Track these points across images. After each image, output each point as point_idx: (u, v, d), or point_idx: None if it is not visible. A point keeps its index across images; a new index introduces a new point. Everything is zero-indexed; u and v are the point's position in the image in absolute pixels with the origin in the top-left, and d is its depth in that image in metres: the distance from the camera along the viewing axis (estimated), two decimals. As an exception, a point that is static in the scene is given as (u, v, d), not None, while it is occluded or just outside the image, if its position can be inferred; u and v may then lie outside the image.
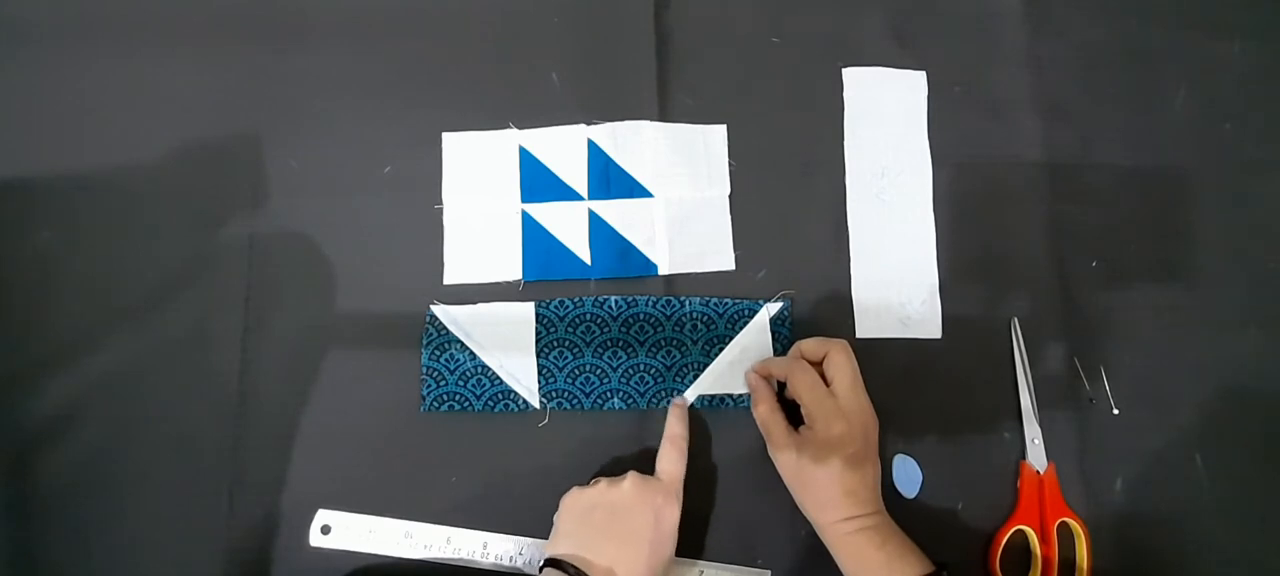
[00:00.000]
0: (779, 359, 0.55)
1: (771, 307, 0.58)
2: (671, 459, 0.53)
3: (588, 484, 0.52)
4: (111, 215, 0.58)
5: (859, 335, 0.59)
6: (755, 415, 0.55)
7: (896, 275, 0.60)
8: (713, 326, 0.58)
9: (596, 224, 0.59)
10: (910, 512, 0.57)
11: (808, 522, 0.53)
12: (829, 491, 0.50)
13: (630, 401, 0.57)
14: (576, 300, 0.58)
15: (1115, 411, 0.59)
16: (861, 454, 0.51)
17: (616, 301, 0.58)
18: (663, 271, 0.59)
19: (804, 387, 0.52)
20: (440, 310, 0.57)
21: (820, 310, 0.59)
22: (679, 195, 0.60)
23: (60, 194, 0.58)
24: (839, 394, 0.51)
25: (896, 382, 0.58)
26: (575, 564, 0.47)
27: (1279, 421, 0.60)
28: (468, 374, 0.56)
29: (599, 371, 0.57)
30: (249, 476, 0.55)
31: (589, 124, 0.60)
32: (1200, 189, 0.63)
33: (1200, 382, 0.60)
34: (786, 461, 0.52)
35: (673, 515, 0.51)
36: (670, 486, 0.52)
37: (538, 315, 0.58)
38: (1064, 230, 0.62)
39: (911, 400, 0.59)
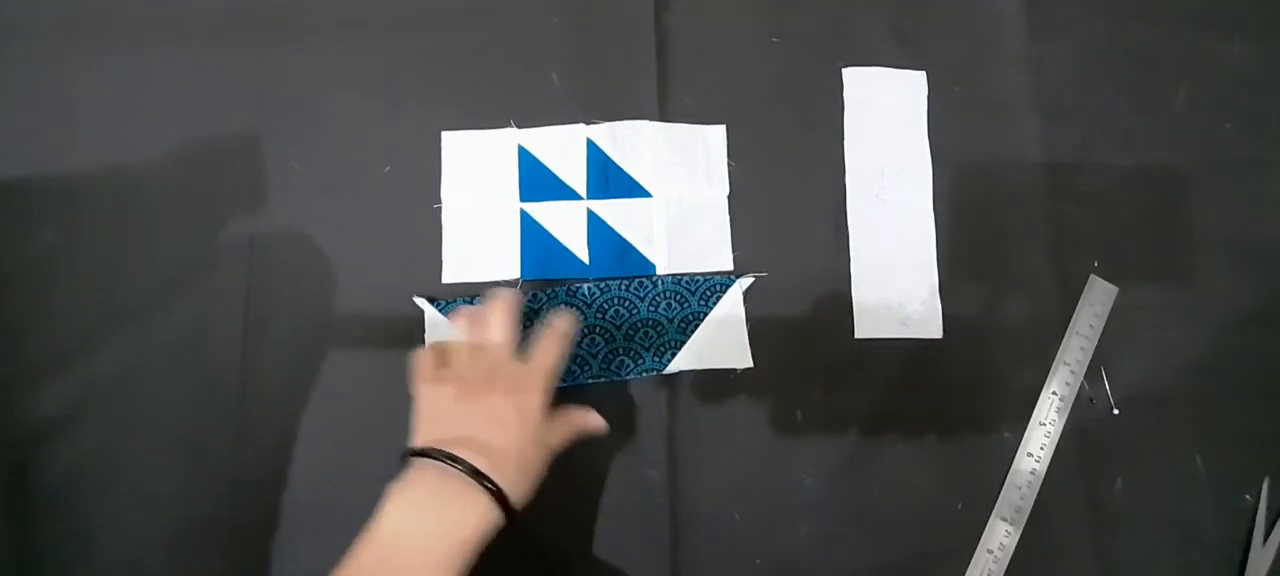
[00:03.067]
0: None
1: (744, 281, 0.58)
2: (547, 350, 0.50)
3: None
4: (111, 215, 0.58)
5: (859, 335, 0.59)
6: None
7: (896, 275, 0.60)
8: (686, 303, 0.58)
9: (595, 223, 0.59)
10: (910, 514, 0.57)
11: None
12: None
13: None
14: (549, 292, 0.58)
15: (1115, 411, 0.59)
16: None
17: (589, 288, 0.58)
18: (661, 271, 0.59)
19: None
20: (425, 306, 0.57)
21: (820, 310, 0.59)
22: (678, 195, 0.60)
23: (60, 194, 0.58)
24: None
25: (896, 382, 0.58)
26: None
27: (1279, 421, 0.60)
28: None
29: (578, 360, 0.57)
30: (249, 476, 0.55)
31: (589, 123, 0.60)
32: (1200, 189, 0.63)
33: (1200, 382, 0.60)
34: None
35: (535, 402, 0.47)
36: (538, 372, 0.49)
37: None
38: (1064, 230, 0.62)
39: (911, 400, 0.59)
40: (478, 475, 0.43)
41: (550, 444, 0.49)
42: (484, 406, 0.46)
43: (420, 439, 0.46)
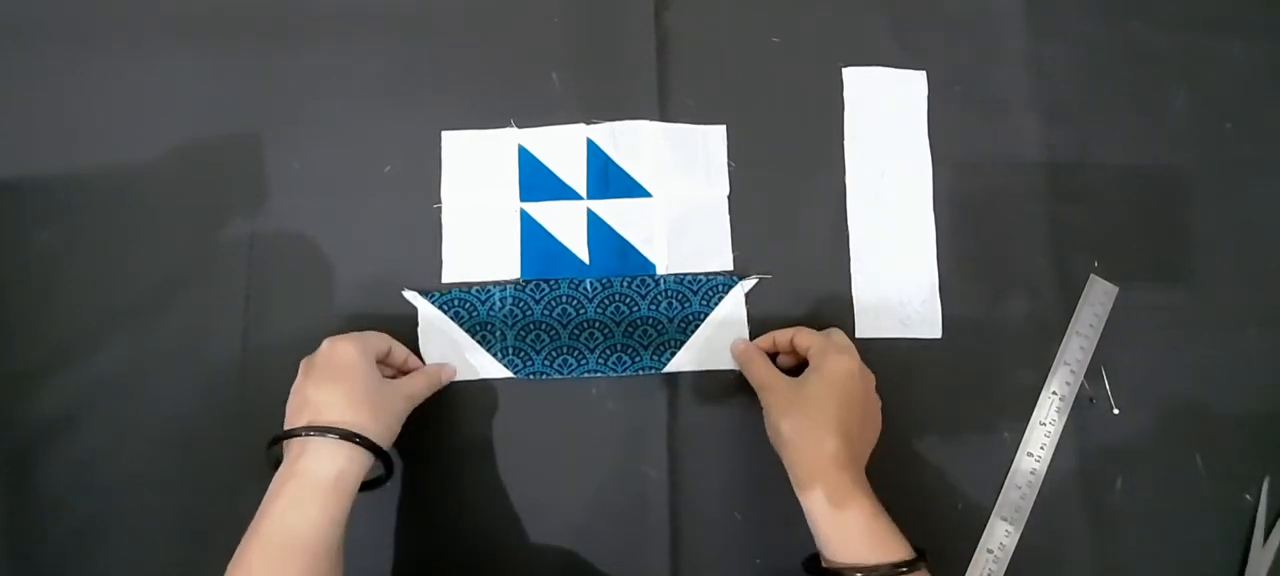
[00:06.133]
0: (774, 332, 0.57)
1: (746, 284, 0.58)
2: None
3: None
4: (111, 215, 0.58)
5: (859, 335, 0.59)
6: (752, 377, 0.54)
7: (896, 275, 0.60)
8: (687, 303, 0.58)
9: (595, 223, 0.59)
10: (909, 514, 0.57)
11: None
12: (829, 430, 0.49)
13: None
14: (552, 282, 0.58)
15: (1115, 411, 0.59)
16: (864, 405, 0.52)
17: (592, 282, 0.58)
18: (661, 271, 0.59)
19: (805, 333, 0.54)
20: (417, 301, 0.57)
21: (820, 310, 0.59)
22: (678, 195, 0.60)
23: (60, 194, 0.58)
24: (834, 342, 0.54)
25: (896, 382, 0.58)
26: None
27: (1279, 421, 0.60)
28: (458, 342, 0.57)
29: (577, 353, 0.57)
30: (249, 475, 0.55)
31: (589, 123, 0.60)
32: (1200, 189, 0.63)
33: (1200, 382, 0.60)
34: (787, 400, 0.51)
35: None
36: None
37: (514, 298, 0.58)
38: (1064, 230, 0.62)
39: (911, 400, 0.59)
40: (325, 430, 0.47)
41: (409, 393, 0.52)
42: (315, 385, 0.49)
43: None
